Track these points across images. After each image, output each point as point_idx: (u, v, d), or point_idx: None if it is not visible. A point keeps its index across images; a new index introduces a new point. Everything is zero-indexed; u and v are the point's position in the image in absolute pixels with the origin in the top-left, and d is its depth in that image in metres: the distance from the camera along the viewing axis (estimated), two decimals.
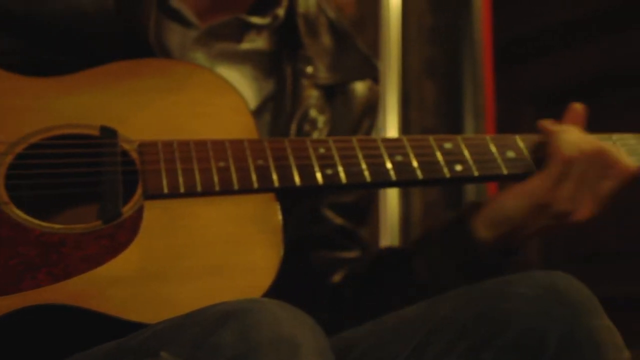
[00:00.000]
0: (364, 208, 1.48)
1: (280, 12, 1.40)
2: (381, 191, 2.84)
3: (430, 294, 1.12)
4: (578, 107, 1.30)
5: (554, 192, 1.19)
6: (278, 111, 1.35)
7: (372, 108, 1.48)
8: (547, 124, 1.27)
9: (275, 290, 1.04)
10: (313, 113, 1.37)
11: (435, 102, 3.02)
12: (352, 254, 1.42)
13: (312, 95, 1.38)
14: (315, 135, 1.36)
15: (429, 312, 1.07)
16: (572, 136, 1.23)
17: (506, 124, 2.98)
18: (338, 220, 1.41)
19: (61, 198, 1.11)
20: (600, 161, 1.21)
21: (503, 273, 1.12)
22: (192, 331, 0.85)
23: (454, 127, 2.91)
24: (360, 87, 1.46)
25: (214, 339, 0.82)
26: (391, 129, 2.87)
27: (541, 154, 1.24)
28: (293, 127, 1.34)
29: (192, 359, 0.82)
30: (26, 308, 0.96)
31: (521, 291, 1.01)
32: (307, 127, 1.35)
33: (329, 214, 1.41)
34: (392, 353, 1.06)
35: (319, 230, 1.40)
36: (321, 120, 1.38)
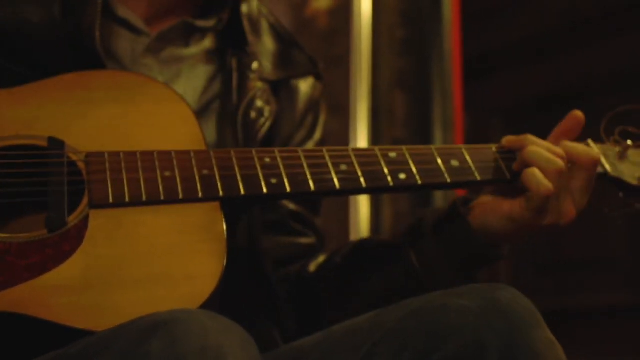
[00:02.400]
0: (317, 198, 1.50)
1: (225, 14, 1.45)
2: (351, 201, 2.87)
3: (423, 285, 1.13)
4: (578, 115, 1.30)
5: (536, 218, 1.21)
6: (225, 102, 1.39)
7: (315, 104, 1.52)
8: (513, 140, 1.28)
9: (232, 287, 1.06)
10: (259, 103, 1.41)
11: (406, 114, 3.05)
12: (308, 240, 1.45)
13: (258, 86, 1.42)
14: (261, 122, 1.39)
15: (376, 323, 1.08)
16: (543, 162, 1.22)
17: (475, 136, 3.02)
18: (292, 206, 1.44)
19: (9, 208, 1.13)
20: (572, 165, 1.23)
21: (493, 264, 1.13)
22: (124, 341, 0.87)
23: (424, 138, 2.94)
24: (303, 85, 1.50)
25: (143, 349, 0.85)
26: (361, 140, 2.90)
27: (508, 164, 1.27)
28: (240, 115, 1.37)
29: None
30: None
31: (464, 304, 1.03)
32: (253, 115, 1.39)
33: (283, 201, 1.43)
34: None
35: (273, 216, 1.42)
36: (267, 109, 1.41)
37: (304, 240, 1.46)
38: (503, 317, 1.01)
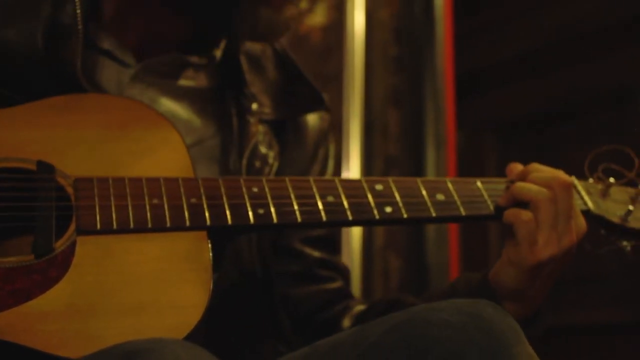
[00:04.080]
0: (336, 238, 1.51)
1: (217, 53, 1.43)
2: None
3: None
4: (515, 167, 1.31)
5: (533, 250, 1.21)
6: (226, 148, 1.38)
7: (325, 136, 1.51)
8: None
9: (239, 328, 1.05)
10: (263, 149, 1.40)
11: (399, 131, 3.06)
12: (336, 284, 1.45)
13: (260, 131, 1.40)
14: (267, 171, 1.39)
15: (359, 337, 1.08)
16: (532, 194, 1.23)
17: (467, 153, 3.04)
18: (316, 254, 1.44)
19: None
20: (550, 195, 1.22)
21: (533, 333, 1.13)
22: None
23: (416, 155, 2.96)
24: (311, 118, 1.49)
25: None
26: (354, 157, 2.91)
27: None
28: (244, 164, 1.37)
29: None
30: None
31: (445, 318, 1.03)
32: (257, 164, 1.38)
33: (306, 249, 1.43)
34: None
35: (299, 266, 1.43)
36: (271, 155, 1.41)
37: (333, 286, 1.46)
38: (485, 332, 1.01)
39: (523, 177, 1.27)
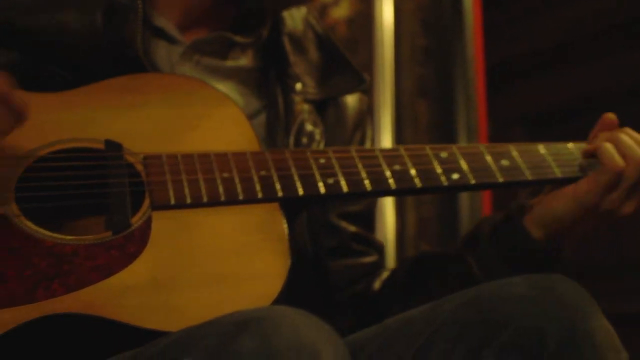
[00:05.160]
0: (371, 215, 1.51)
1: (264, 32, 1.44)
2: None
3: None
4: (611, 117, 1.32)
5: (602, 197, 1.23)
6: (273, 126, 1.38)
7: (363, 120, 1.52)
8: (595, 145, 1.29)
9: (295, 303, 1.06)
10: (308, 127, 1.40)
11: (429, 122, 3.05)
12: (371, 258, 1.46)
13: (305, 109, 1.41)
14: (314, 147, 1.39)
15: (432, 313, 1.09)
16: (623, 144, 1.26)
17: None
18: (352, 228, 1.45)
19: (67, 210, 1.13)
20: None
21: (553, 271, 1.15)
22: (212, 339, 0.86)
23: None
24: (350, 100, 1.49)
25: (234, 346, 0.84)
26: None
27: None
28: (291, 142, 1.37)
29: None
30: (42, 318, 0.98)
31: (520, 292, 1.03)
32: (304, 140, 1.39)
33: (342, 223, 1.44)
34: (398, 355, 1.07)
35: (335, 239, 1.43)
36: (317, 132, 1.41)
37: (367, 260, 1.46)
38: (561, 305, 1.01)
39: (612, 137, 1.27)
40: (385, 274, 1.46)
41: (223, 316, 0.90)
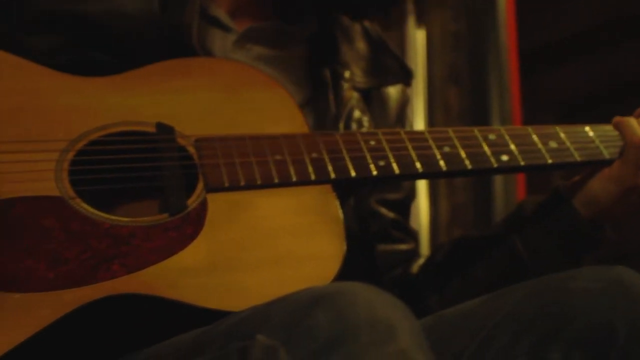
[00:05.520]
0: (409, 204, 1.51)
1: (315, 22, 1.44)
2: None
3: (528, 272, 1.13)
4: None
5: (636, 175, 1.23)
6: (322, 113, 1.38)
7: (404, 110, 1.52)
8: (619, 118, 1.30)
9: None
10: (357, 113, 1.41)
11: (460, 109, 3.04)
12: (408, 246, 1.46)
13: (353, 96, 1.42)
14: None
15: (492, 307, 1.08)
16: None
17: None
18: (391, 215, 1.45)
19: (118, 193, 1.14)
20: None
21: (597, 250, 1.14)
22: (284, 314, 0.86)
23: None
24: (393, 91, 1.49)
25: (308, 321, 0.84)
26: None
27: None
28: (341, 128, 1.37)
29: (288, 340, 0.83)
30: (104, 298, 0.99)
31: (585, 285, 1.03)
32: (354, 127, 1.39)
33: (382, 210, 1.44)
34: (457, 348, 1.07)
35: (375, 225, 1.43)
36: (365, 119, 1.41)
37: (405, 247, 1.47)
38: (629, 297, 1.01)
39: None
40: (421, 260, 1.47)
41: (293, 293, 0.90)
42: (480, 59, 3.01)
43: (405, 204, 1.50)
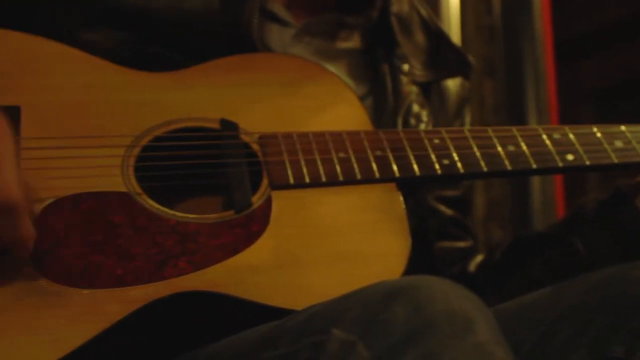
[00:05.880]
0: (468, 200, 1.50)
1: (374, 13, 1.42)
2: None
3: (588, 271, 1.12)
4: None
5: None
6: (380, 108, 1.37)
7: (464, 104, 1.50)
8: None
9: None
10: (416, 108, 1.39)
11: (495, 102, 3.02)
12: (467, 243, 1.45)
13: (412, 90, 1.40)
14: (422, 128, 1.38)
15: (554, 299, 1.07)
16: None
17: (568, 121, 2.98)
18: (449, 212, 1.44)
19: (180, 190, 1.13)
20: None
21: None
22: (360, 309, 0.85)
23: (517, 125, 2.91)
24: (452, 84, 1.48)
25: (385, 315, 0.83)
26: None
27: None
28: (399, 122, 1.36)
29: (365, 335, 0.82)
30: (171, 295, 0.99)
31: None
32: (412, 122, 1.38)
33: (441, 207, 1.43)
34: (518, 339, 1.06)
35: (434, 222, 1.42)
36: (424, 114, 1.40)
37: (463, 244, 1.46)
38: None
39: None
40: (479, 258, 1.46)
41: (365, 287, 0.89)
42: (515, 50, 2.99)
43: (464, 201, 1.49)
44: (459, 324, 0.82)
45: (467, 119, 1.52)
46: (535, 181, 2.82)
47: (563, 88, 2.96)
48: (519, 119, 2.91)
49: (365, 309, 0.85)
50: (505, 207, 2.87)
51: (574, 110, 3.11)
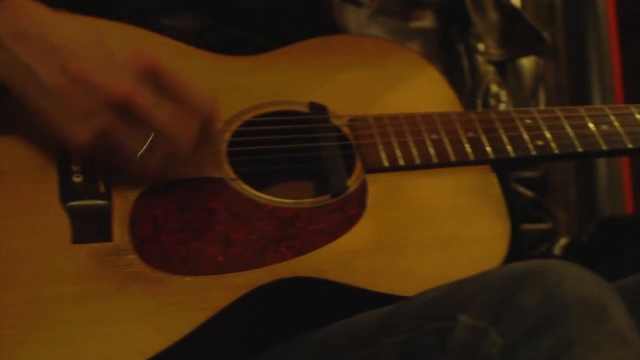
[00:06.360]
0: (548, 182, 1.48)
1: None
2: None
3: None
4: None
5: None
6: (457, 88, 1.34)
7: (538, 84, 1.48)
8: None
9: None
10: (494, 88, 1.37)
11: (558, 84, 2.97)
12: (547, 225, 1.43)
13: (490, 70, 1.38)
14: (502, 108, 1.36)
15: None
16: None
17: (634, 101, 2.92)
18: (529, 194, 1.42)
19: (265, 173, 1.13)
20: None
21: None
22: (486, 294, 0.83)
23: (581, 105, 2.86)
24: (526, 62, 1.46)
25: (515, 300, 0.81)
26: None
27: None
28: (479, 103, 1.34)
29: (497, 321, 0.80)
30: (275, 281, 0.98)
31: None
32: (492, 102, 1.36)
33: (520, 189, 1.41)
34: None
35: (514, 204, 1.40)
36: (503, 94, 1.38)
37: (544, 226, 1.44)
38: None
39: None
40: (562, 241, 1.43)
41: (488, 272, 0.87)
42: (577, 29, 2.93)
43: (544, 182, 1.47)
44: (593, 309, 0.80)
45: (542, 97, 1.50)
46: (601, 163, 2.77)
47: (628, 69, 2.91)
48: (583, 100, 2.86)
49: (493, 294, 0.83)
50: (571, 190, 2.83)
51: (637, 90, 3.06)
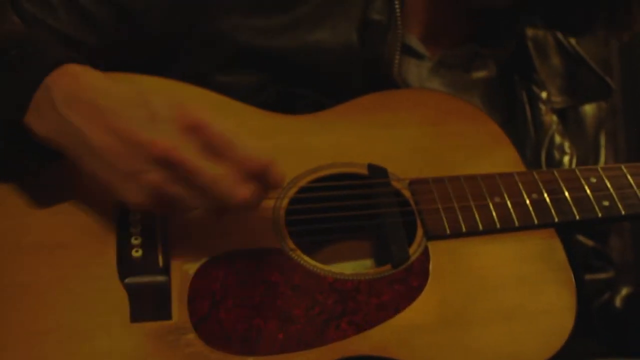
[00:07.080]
0: (608, 230, 1.43)
1: (512, 43, 1.37)
2: None
3: None
4: None
5: None
6: (520, 139, 1.32)
7: (599, 132, 1.43)
8: None
9: None
10: (558, 139, 1.34)
11: (611, 104, 2.91)
12: (608, 275, 1.39)
13: (553, 120, 1.34)
14: (566, 160, 1.32)
15: None
16: None
17: None
18: (589, 243, 1.38)
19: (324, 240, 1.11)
20: None
21: None
22: None
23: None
24: (589, 109, 1.41)
25: None
26: None
27: None
28: (542, 156, 1.31)
29: None
30: None
31: None
32: (557, 155, 1.32)
33: (580, 238, 1.37)
34: None
35: (576, 255, 1.37)
36: (567, 145, 1.34)
37: (604, 276, 1.40)
38: None
39: None
40: (624, 291, 1.39)
41: None
42: (632, 50, 2.87)
43: (604, 230, 1.42)
44: None
45: (602, 142, 1.45)
46: None
47: None
48: (638, 125, 2.80)
49: None
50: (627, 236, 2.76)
51: None
